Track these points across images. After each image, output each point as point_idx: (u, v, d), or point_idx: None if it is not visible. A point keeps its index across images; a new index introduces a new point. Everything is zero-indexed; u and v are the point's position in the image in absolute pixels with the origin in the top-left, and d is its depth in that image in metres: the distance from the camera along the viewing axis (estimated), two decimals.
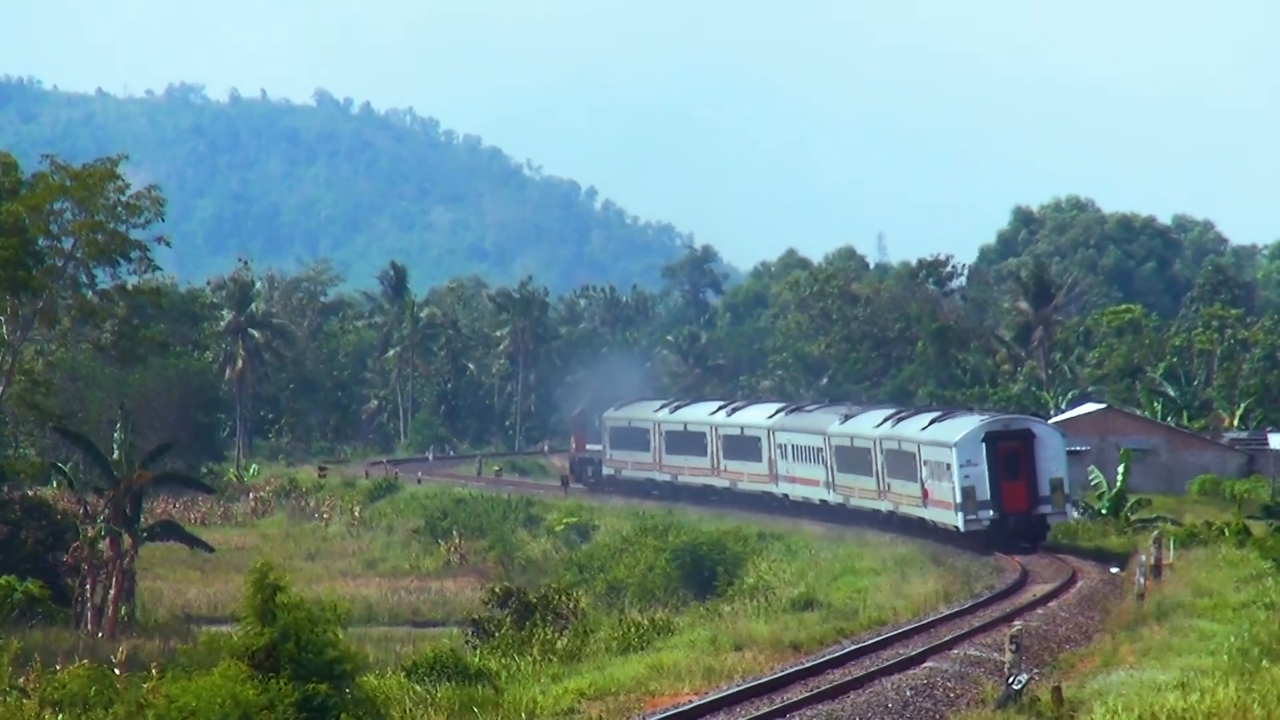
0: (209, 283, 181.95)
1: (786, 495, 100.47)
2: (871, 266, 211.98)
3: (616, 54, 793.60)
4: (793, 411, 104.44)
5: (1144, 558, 58.41)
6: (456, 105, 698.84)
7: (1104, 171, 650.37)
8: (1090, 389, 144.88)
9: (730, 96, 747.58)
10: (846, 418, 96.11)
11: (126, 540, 72.42)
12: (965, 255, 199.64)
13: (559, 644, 51.17)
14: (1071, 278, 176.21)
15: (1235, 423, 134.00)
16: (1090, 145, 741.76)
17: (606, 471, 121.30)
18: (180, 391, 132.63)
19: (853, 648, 44.39)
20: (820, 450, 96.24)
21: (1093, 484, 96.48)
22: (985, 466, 76.94)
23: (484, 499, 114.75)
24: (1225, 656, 39.97)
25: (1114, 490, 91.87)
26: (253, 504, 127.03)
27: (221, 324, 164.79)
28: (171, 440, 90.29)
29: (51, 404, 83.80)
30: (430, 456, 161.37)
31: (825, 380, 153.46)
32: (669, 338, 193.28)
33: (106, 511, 72.75)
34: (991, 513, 76.37)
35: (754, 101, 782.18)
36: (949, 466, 77.98)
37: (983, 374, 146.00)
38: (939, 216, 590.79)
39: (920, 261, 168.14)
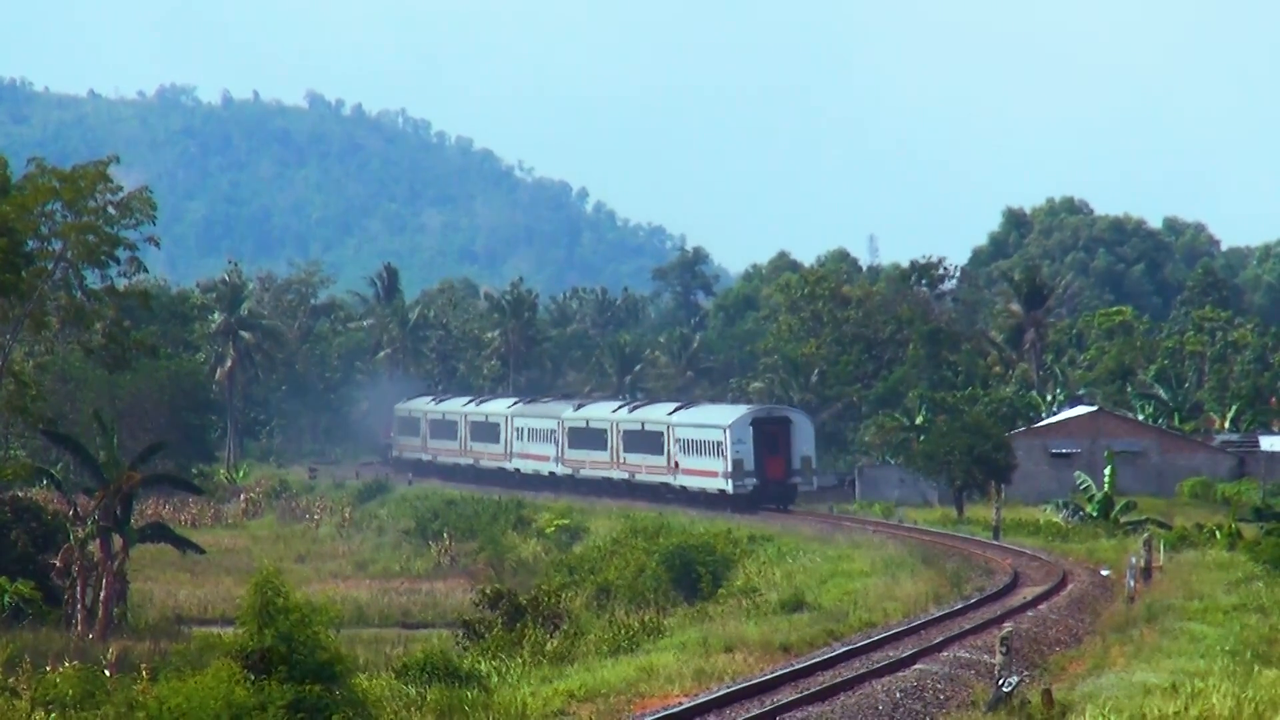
0: (198, 284, 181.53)
1: (518, 469, 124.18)
2: (863, 269, 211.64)
3: (609, 55, 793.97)
4: (530, 401, 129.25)
5: (1134, 560, 58.43)
6: (448, 107, 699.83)
7: (1096, 173, 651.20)
8: (1081, 391, 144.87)
9: (722, 98, 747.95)
10: (580, 405, 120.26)
11: (117, 542, 72.31)
12: (957, 257, 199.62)
13: (549, 646, 51.16)
14: (1063, 280, 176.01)
15: (1226, 425, 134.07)
16: (1082, 147, 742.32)
17: (394, 454, 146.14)
18: (171, 393, 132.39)
19: (843, 649, 44.39)
20: (553, 431, 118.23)
21: (1081, 487, 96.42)
22: (751, 444, 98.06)
23: (474, 500, 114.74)
24: (1216, 659, 40.01)
25: (1101, 492, 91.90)
26: (243, 505, 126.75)
27: (212, 325, 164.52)
28: (162, 441, 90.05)
29: (40, 407, 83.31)
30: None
31: (815, 381, 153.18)
32: (660, 339, 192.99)
33: (97, 513, 72.63)
34: (755, 480, 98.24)
35: (745, 103, 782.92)
36: (720, 444, 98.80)
37: (974, 376, 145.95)
38: (931, 218, 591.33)
39: (912, 263, 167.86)
